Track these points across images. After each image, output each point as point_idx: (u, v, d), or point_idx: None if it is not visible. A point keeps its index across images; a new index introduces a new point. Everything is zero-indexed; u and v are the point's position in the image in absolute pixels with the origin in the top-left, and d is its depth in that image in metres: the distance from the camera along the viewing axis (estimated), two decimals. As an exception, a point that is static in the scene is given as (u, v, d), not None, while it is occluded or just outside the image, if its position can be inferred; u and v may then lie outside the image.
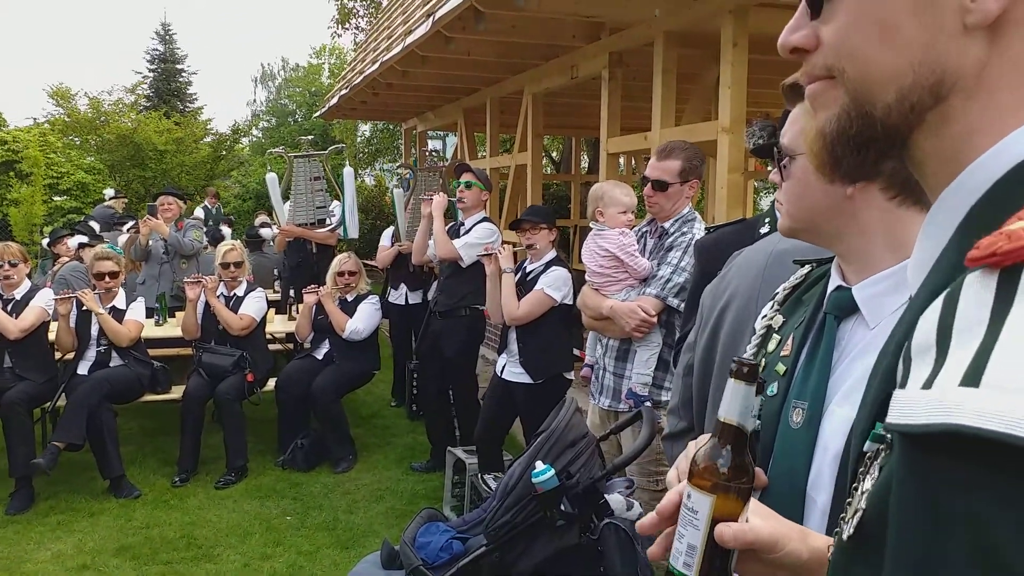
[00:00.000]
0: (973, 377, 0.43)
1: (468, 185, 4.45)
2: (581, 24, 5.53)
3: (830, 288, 1.05)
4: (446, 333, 4.52)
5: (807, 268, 1.25)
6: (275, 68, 31.33)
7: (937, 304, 0.49)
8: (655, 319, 2.79)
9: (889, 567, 0.48)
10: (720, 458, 0.80)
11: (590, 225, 3.11)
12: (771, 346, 1.17)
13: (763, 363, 1.16)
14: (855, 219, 1.03)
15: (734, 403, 0.82)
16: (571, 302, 3.57)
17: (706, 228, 2.68)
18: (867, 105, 0.57)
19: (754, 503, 0.83)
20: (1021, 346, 0.43)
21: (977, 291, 0.46)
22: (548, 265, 3.68)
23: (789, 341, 1.08)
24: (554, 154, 15.44)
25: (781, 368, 1.06)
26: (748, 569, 0.81)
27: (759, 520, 0.80)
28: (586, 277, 3.11)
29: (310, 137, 6.95)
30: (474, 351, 4.69)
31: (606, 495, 2.24)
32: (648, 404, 2.68)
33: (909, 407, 0.47)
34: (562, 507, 2.15)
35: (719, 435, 0.82)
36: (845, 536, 0.59)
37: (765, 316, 1.23)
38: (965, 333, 0.46)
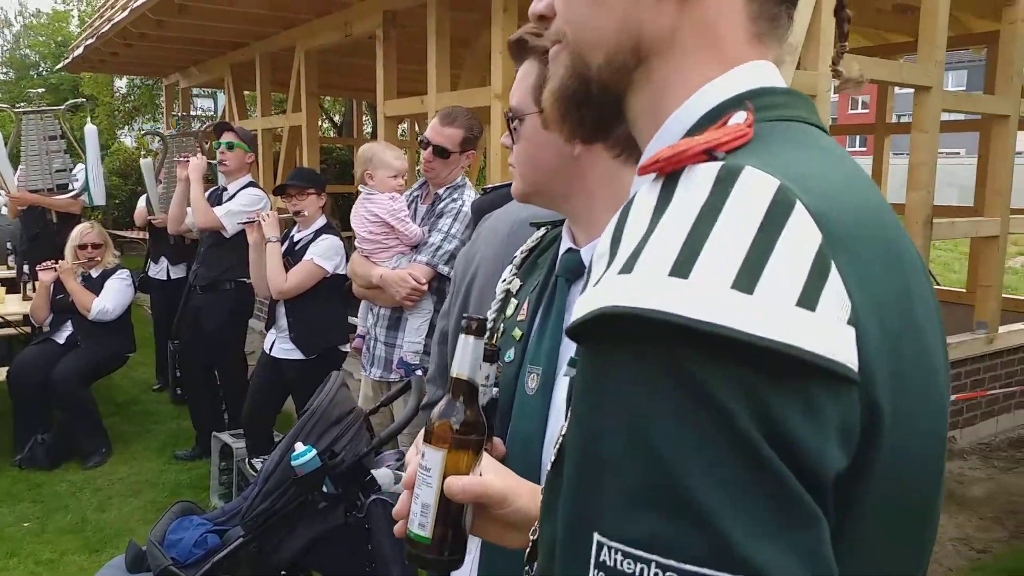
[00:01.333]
0: (628, 266, 0.48)
1: (230, 146, 4.08)
2: (354, -22, 5.28)
3: (561, 250, 1.05)
4: (208, 308, 4.16)
5: (543, 231, 1.24)
6: (11, 13, 27.40)
7: (615, 216, 0.53)
8: (426, 287, 2.71)
9: (565, 460, 0.51)
10: (453, 415, 0.79)
11: (358, 189, 2.96)
12: (509, 310, 1.14)
13: (502, 328, 1.14)
14: (582, 179, 1.03)
15: (464, 358, 0.81)
16: (344, 272, 3.40)
17: (482, 189, 2.63)
18: (583, 67, 0.63)
19: (488, 459, 0.82)
20: (670, 233, 0.47)
21: (644, 197, 0.52)
22: (318, 233, 3.47)
23: (525, 305, 1.08)
24: (336, 117, 14.89)
25: (518, 333, 1.05)
26: (482, 528, 0.81)
27: (491, 475, 0.80)
28: (355, 243, 2.96)
29: (40, 90, 6.08)
30: (240, 327, 4.36)
31: (373, 470, 2.13)
32: (419, 373, 2.61)
33: (580, 306, 0.50)
34: (324, 488, 2.02)
35: (451, 391, 0.80)
36: (548, 467, 0.65)
37: (504, 280, 1.21)
38: (631, 234, 0.50)
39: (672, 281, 0.45)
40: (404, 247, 2.84)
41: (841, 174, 0.54)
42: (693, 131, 0.56)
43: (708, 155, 0.50)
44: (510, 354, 1.04)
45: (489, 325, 1.18)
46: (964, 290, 6.06)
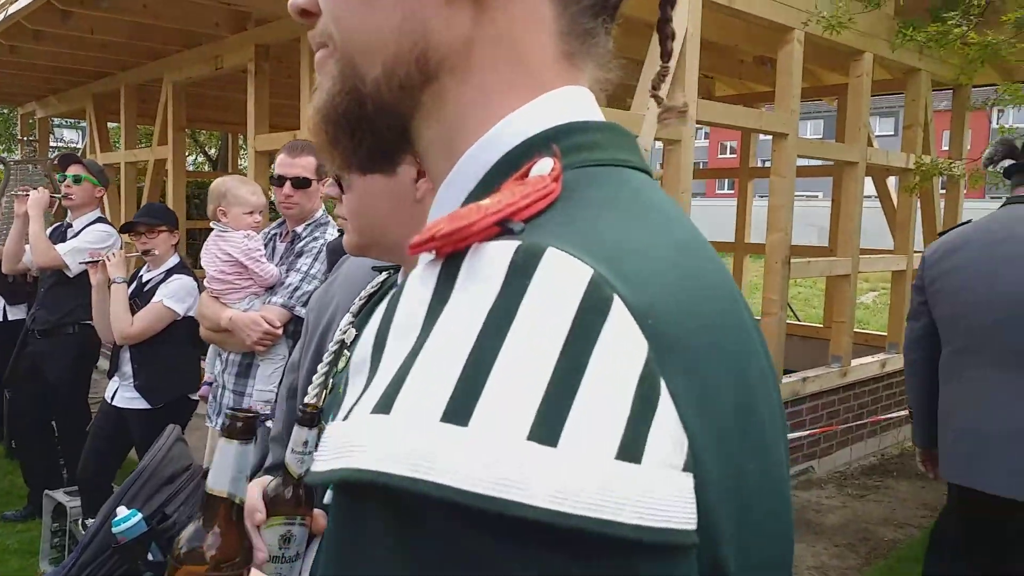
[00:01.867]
0: (387, 400, 0.35)
1: (77, 179, 3.81)
2: (224, 11, 5.13)
3: None
4: (48, 355, 3.82)
5: (383, 275, 1.17)
6: None
7: (382, 307, 0.41)
8: (280, 330, 2.57)
9: None
10: (206, 540, 0.65)
11: (211, 225, 2.80)
12: (342, 364, 1.06)
13: (331, 385, 1.05)
14: (423, 224, 0.96)
15: (223, 467, 0.66)
16: (199, 313, 3.19)
17: (338, 229, 2.53)
18: (355, 79, 0.50)
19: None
20: (447, 353, 0.35)
21: (415, 288, 0.40)
22: (169, 273, 3.26)
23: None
24: (211, 150, 14.36)
25: None
26: None
27: None
28: (205, 283, 2.79)
29: None
30: (84, 375, 4.03)
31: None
32: (268, 424, 2.46)
33: (324, 447, 0.37)
34: (151, 556, 1.84)
35: (204, 510, 0.67)
36: None
37: (340, 330, 1.12)
38: (398, 341, 0.38)
39: (446, 432, 0.33)
40: (258, 288, 2.69)
41: (669, 242, 0.44)
42: (489, 180, 0.47)
43: (501, 227, 0.39)
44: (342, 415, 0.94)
45: (319, 380, 1.09)
46: (821, 325, 6.39)
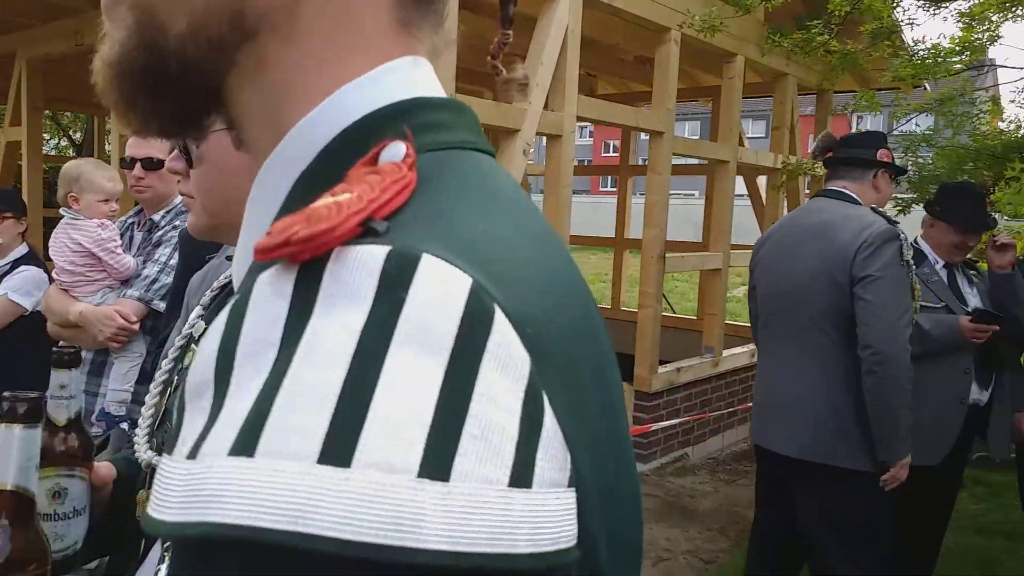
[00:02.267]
0: (248, 439, 0.30)
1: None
2: (83, -17, 4.79)
3: None
4: None
5: None
6: None
7: (222, 319, 0.35)
8: (137, 325, 2.42)
9: None
10: None
11: (61, 212, 2.60)
12: (188, 360, 0.98)
13: (175, 383, 0.97)
14: None
15: (6, 457, 0.59)
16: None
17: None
18: (154, 31, 0.44)
19: None
20: (315, 382, 0.30)
21: (269, 298, 0.34)
22: (16, 264, 3.01)
23: None
24: (76, 134, 13.44)
25: None
26: None
27: None
28: (54, 275, 2.59)
29: None
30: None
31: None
32: (124, 426, 2.31)
33: (167, 491, 0.31)
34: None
35: None
36: None
37: (189, 324, 1.04)
38: (249, 364, 0.32)
39: (326, 475, 0.29)
40: (113, 281, 2.52)
41: (528, 236, 0.41)
42: (328, 160, 0.42)
43: (363, 227, 0.34)
44: (184, 449, 0.86)
45: (163, 377, 1.01)
46: (696, 317, 6.66)
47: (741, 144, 5.57)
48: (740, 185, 6.13)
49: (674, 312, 7.74)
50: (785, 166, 5.45)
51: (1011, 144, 3.68)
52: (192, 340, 1.00)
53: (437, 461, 0.30)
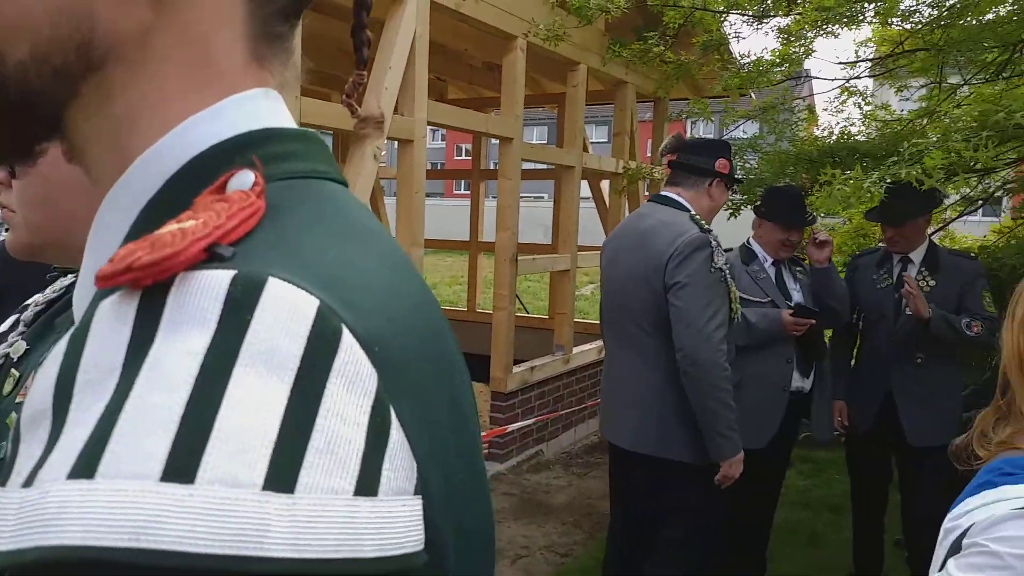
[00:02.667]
0: (90, 461, 0.30)
1: None
2: None
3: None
4: None
5: (69, 279, 1.01)
6: None
7: (61, 346, 0.34)
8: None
9: None
10: None
11: None
12: (7, 387, 0.89)
13: None
14: None
15: None
16: None
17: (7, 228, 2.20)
18: None
19: None
20: (159, 402, 0.31)
21: (111, 324, 0.34)
22: None
23: (31, 380, 0.83)
24: None
25: (15, 418, 0.80)
26: None
27: None
28: None
29: None
30: None
31: None
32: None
33: (1, 519, 0.30)
34: None
35: None
36: None
37: (7, 344, 0.95)
38: (91, 391, 0.32)
39: (169, 492, 0.29)
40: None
41: (379, 260, 0.43)
42: (174, 189, 0.42)
43: (208, 252, 0.35)
44: (4, 448, 0.78)
45: None
46: (547, 316, 6.84)
47: (585, 150, 5.79)
48: (586, 188, 6.36)
49: (527, 312, 7.92)
50: (626, 171, 5.71)
51: (825, 149, 4.05)
52: (10, 362, 0.92)
53: (282, 474, 0.31)
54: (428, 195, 4.18)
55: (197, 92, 0.43)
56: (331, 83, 6.25)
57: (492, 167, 6.99)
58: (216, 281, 0.33)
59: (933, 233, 4.28)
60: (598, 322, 2.96)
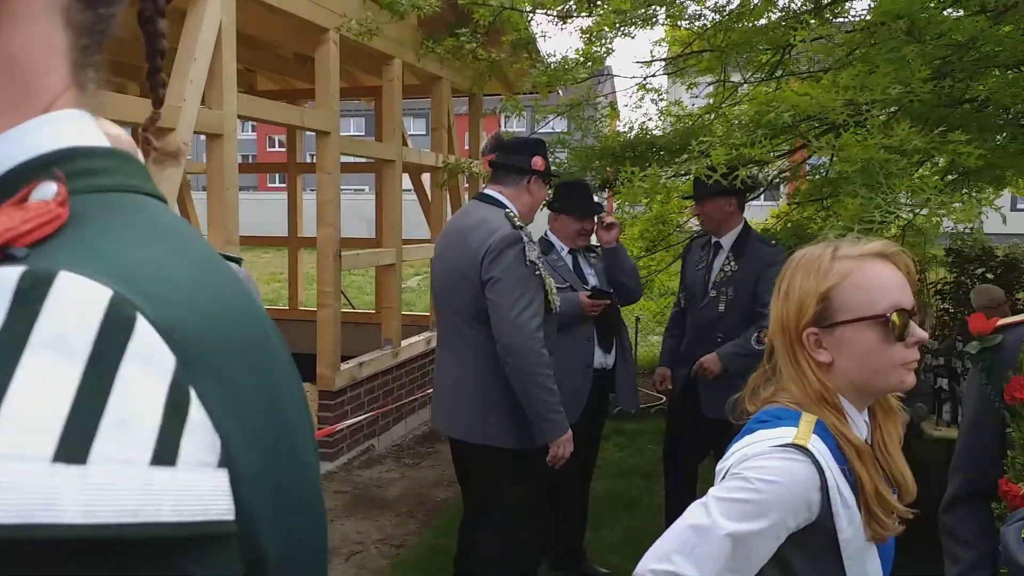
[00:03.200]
0: None
1: None
2: None
3: None
4: None
5: None
6: None
7: None
8: None
9: None
10: None
11: None
12: None
13: None
14: None
15: None
16: None
17: None
18: None
19: None
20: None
21: None
22: None
23: None
24: None
25: None
26: None
27: None
28: None
29: None
30: None
31: None
32: None
33: None
34: None
35: None
36: None
37: None
38: None
39: None
40: None
41: (188, 262, 0.45)
42: None
43: (2, 253, 0.37)
44: None
45: None
46: (374, 311, 6.82)
47: (405, 143, 5.82)
48: (407, 181, 6.39)
49: (353, 307, 7.83)
50: (446, 165, 5.81)
51: (626, 143, 4.35)
52: None
53: (73, 447, 0.33)
54: (241, 189, 4.05)
55: (10, 114, 0.45)
56: (126, 72, 5.83)
57: (309, 160, 6.83)
58: (5, 277, 0.36)
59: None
60: (426, 314, 3.04)
